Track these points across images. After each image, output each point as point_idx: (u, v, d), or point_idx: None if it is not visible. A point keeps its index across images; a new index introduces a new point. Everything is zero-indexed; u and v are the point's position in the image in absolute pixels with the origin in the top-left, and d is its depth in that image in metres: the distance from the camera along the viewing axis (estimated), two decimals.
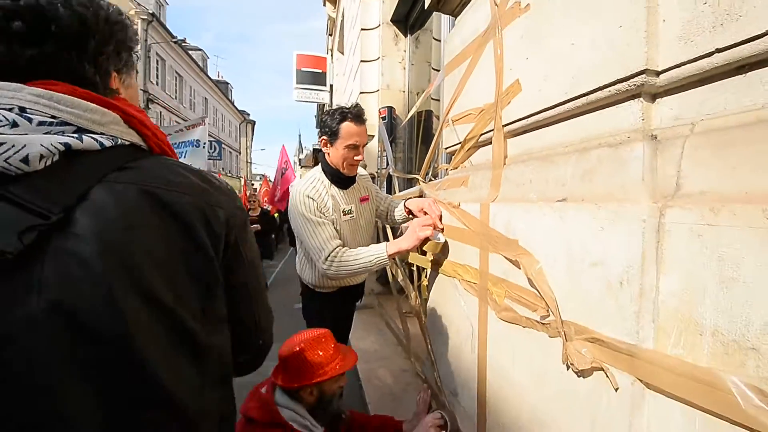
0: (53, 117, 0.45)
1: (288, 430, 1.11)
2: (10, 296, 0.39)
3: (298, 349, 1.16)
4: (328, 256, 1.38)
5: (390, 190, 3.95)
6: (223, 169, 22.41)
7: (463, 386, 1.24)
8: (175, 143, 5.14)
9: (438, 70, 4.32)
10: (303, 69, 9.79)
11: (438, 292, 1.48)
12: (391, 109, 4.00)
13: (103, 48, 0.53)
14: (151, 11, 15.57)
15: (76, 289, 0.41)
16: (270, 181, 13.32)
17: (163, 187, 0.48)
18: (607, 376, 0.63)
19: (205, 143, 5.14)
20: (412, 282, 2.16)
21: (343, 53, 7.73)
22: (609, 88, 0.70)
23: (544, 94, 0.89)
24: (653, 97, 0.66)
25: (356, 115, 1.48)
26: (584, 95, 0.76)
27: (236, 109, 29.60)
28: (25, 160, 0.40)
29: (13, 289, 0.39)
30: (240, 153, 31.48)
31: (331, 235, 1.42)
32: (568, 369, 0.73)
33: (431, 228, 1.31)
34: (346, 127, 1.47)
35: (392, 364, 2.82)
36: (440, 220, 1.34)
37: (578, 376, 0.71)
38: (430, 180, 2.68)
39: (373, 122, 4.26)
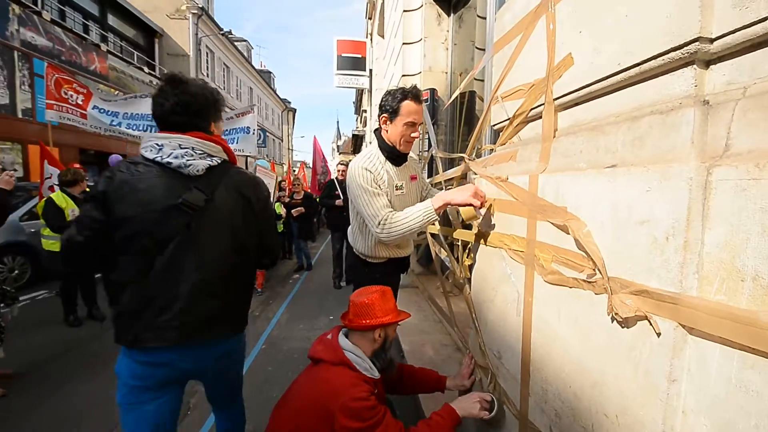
0: (203, 151, 1.19)
1: (351, 369, 1.29)
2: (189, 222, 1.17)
3: (370, 298, 1.36)
4: (381, 220, 1.53)
5: (432, 173, 4.00)
6: (267, 155, 23.44)
7: (507, 348, 1.33)
8: (227, 130, 5.50)
9: (482, 50, 4.23)
10: (343, 55, 9.92)
11: (483, 263, 1.56)
12: (433, 91, 4.01)
13: (212, 113, 1.27)
14: (201, 5, 16.38)
15: (214, 220, 1.20)
16: (307, 167, 13.79)
17: (239, 182, 1.28)
18: (651, 324, 0.70)
19: (254, 130, 5.54)
20: (456, 258, 2.24)
21: (383, 37, 7.72)
22: (662, 57, 0.73)
23: (596, 66, 0.92)
24: (707, 63, 0.68)
25: (415, 95, 1.63)
26: (637, 65, 0.79)
27: (278, 97, 30.60)
28: (199, 170, 1.17)
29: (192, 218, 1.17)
30: (282, 140, 32.67)
31: (384, 204, 1.56)
32: (612, 321, 0.80)
33: (480, 200, 1.39)
34: (406, 105, 1.61)
35: (433, 339, 2.95)
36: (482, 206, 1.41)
37: (622, 327, 0.77)
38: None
39: None
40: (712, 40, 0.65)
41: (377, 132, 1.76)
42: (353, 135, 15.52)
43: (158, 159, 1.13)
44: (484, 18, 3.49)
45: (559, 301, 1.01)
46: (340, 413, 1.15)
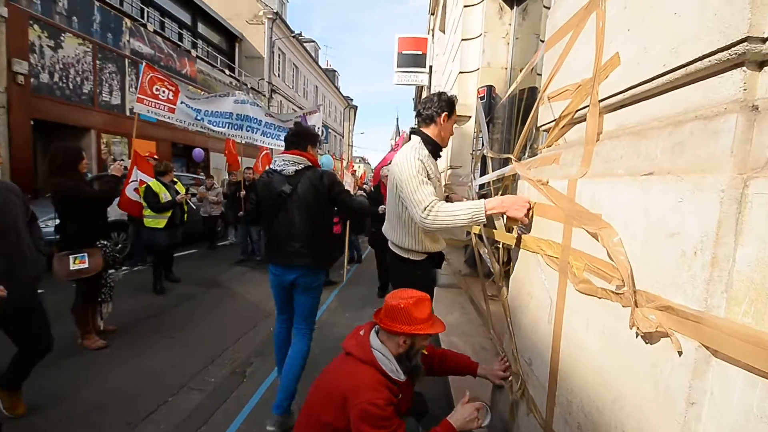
0: (294, 161, 2.18)
1: (377, 369, 1.35)
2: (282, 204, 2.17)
3: (404, 302, 1.38)
4: (428, 206, 1.58)
5: (484, 172, 3.90)
6: (329, 150, 24.53)
7: (538, 355, 1.30)
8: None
9: None
10: (404, 52, 9.97)
11: (521, 267, 1.53)
12: (490, 88, 3.90)
13: (308, 142, 2.27)
14: (275, 10, 17.63)
15: (297, 199, 2.14)
16: (366, 162, 14.08)
17: (312, 178, 2.17)
18: (672, 342, 0.66)
19: (319, 128, 5.99)
20: (498, 261, 2.19)
21: (444, 32, 7.62)
22: (709, 58, 0.67)
23: (643, 66, 0.87)
24: (759, 65, 0.62)
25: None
26: (683, 66, 0.74)
27: (341, 95, 31.76)
28: (290, 172, 2.16)
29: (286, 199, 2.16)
30: (343, 136, 33.89)
31: (432, 192, 1.63)
32: (636, 336, 0.77)
33: (525, 210, 1.38)
34: (456, 107, 1.99)
35: (474, 341, 2.92)
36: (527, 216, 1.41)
37: (645, 342, 0.74)
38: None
39: (471, 102, 4.21)
40: (764, 40, 0.59)
41: (418, 130, 1.93)
42: (411, 131, 15.49)
43: (275, 168, 2.19)
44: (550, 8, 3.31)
45: (589, 310, 0.98)
46: (355, 412, 1.21)
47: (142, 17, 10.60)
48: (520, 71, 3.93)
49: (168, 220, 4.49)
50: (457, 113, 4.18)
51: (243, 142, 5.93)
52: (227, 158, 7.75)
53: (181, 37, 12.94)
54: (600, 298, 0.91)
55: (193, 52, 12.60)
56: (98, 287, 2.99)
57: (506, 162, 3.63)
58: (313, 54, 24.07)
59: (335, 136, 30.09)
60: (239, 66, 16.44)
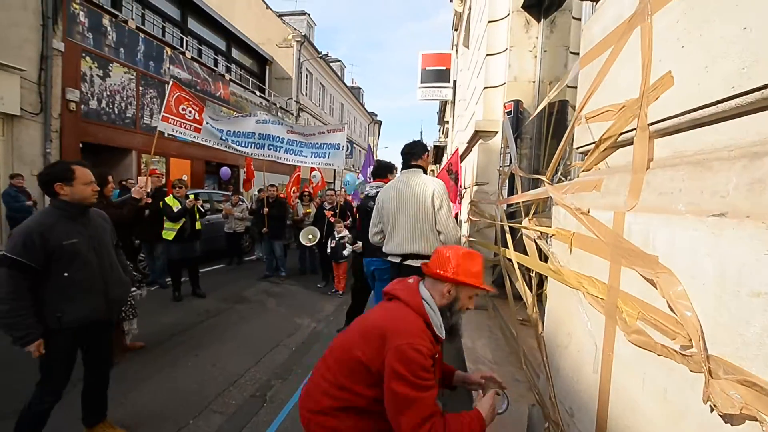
0: (375, 187, 3.16)
1: (423, 318, 1.24)
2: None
3: (454, 252, 1.31)
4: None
5: (512, 191, 3.75)
6: (353, 166, 24.89)
7: (581, 407, 1.15)
8: (318, 143, 6.05)
9: (578, 54, 3.84)
10: (427, 68, 10.02)
11: (558, 302, 1.39)
12: (517, 102, 3.77)
13: (387, 173, 3.24)
14: (303, 33, 18.39)
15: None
16: None
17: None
18: (763, 429, 0.53)
19: (344, 146, 6.07)
20: (530, 288, 2.04)
21: (468, 47, 7.59)
22: None
23: (705, 88, 0.76)
24: None
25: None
26: (759, 89, 0.62)
27: (366, 111, 32.38)
28: (371, 194, 3.13)
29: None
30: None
31: None
32: (711, 411, 0.63)
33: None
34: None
35: (504, 371, 2.73)
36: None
37: (725, 421, 0.61)
38: (560, 181, 2.45)
39: (497, 118, 4.10)
40: None
41: (420, 167, 2.62)
42: (435, 146, 15.47)
43: (370, 194, 3.08)
44: (580, 19, 3.18)
45: (645, 366, 0.84)
46: (393, 352, 1.10)
47: (182, 45, 11.35)
48: (550, 84, 3.80)
49: (177, 232, 4.73)
50: (483, 129, 4.03)
51: (266, 160, 6.05)
52: (246, 175, 8.14)
53: (216, 63, 13.72)
54: (659, 355, 0.78)
55: (227, 76, 13.29)
56: None
57: (536, 180, 3.47)
58: (338, 73, 24.80)
59: (360, 150, 30.57)
60: (269, 87, 17.16)
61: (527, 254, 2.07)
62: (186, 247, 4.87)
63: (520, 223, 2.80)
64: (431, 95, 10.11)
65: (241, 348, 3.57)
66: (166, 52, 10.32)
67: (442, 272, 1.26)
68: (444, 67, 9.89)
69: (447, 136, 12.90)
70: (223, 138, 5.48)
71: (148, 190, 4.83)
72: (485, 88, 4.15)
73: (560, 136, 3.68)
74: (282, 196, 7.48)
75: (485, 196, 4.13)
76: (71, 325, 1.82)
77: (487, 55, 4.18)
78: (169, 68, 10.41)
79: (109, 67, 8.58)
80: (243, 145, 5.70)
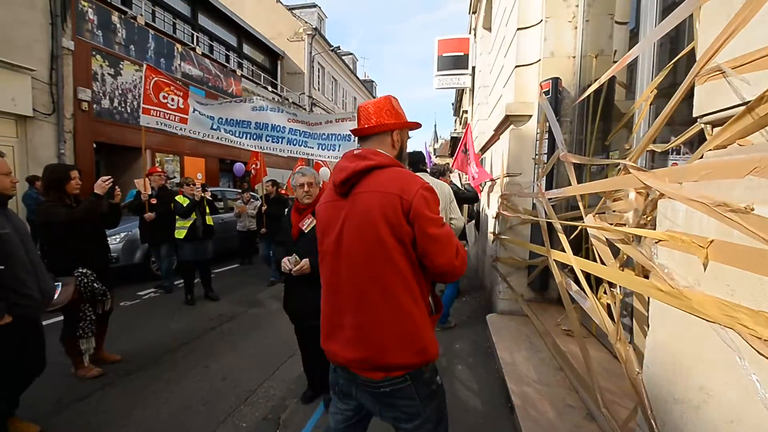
0: None
1: (400, 165, 1.26)
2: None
3: (381, 100, 1.27)
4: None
5: (551, 183, 3.30)
6: None
7: None
8: (325, 134, 5.40)
9: (624, 23, 3.33)
10: (444, 55, 9.50)
11: (678, 338, 0.98)
12: (556, 81, 3.31)
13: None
14: (314, 26, 18.04)
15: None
16: None
17: None
18: None
19: (354, 138, 5.53)
20: (610, 316, 1.61)
21: (489, 30, 7.06)
22: None
23: None
24: None
25: None
26: None
27: None
28: None
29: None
30: None
31: None
32: None
33: None
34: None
35: (553, 394, 2.32)
36: None
37: None
38: (648, 167, 2.01)
39: (531, 100, 3.64)
40: None
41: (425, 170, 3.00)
42: (451, 137, 14.92)
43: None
44: None
45: None
46: (418, 201, 1.08)
47: (193, 42, 11.19)
48: (596, 58, 3.31)
49: (188, 230, 4.48)
50: (515, 112, 3.61)
51: (265, 152, 5.43)
52: (256, 171, 7.27)
53: (228, 58, 13.56)
54: None
55: (239, 72, 13.11)
56: (76, 320, 2.66)
57: (579, 169, 3.00)
58: (351, 66, 24.38)
59: None
60: (281, 82, 16.94)
61: (585, 258, 1.66)
62: (198, 247, 4.62)
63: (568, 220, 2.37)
64: (449, 83, 9.60)
65: (253, 358, 3.29)
66: (177, 48, 10.17)
67: (385, 121, 1.22)
68: (462, 53, 9.35)
69: (465, 126, 12.33)
70: (215, 127, 4.76)
71: (149, 191, 4.58)
72: (516, 66, 3.68)
73: (608, 116, 3.20)
74: (284, 192, 6.99)
75: (518, 188, 3.69)
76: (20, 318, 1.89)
77: (518, 29, 3.70)
78: (180, 65, 10.27)
79: (120, 65, 8.47)
80: (238, 135, 4.97)
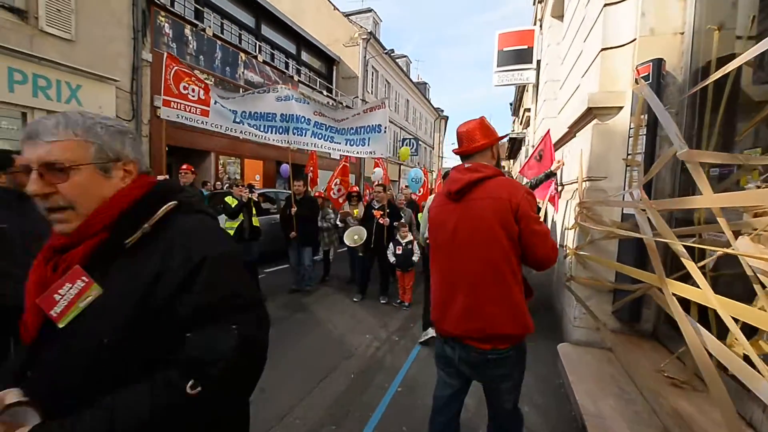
0: None
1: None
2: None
3: (474, 122, 1.57)
4: None
5: (650, 189, 2.67)
6: (419, 163, 24.15)
7: None
8: (353, 128, 4.93)
9: None
10: (505, 49, 8.82)
11: None
12: (659, 63, 2.67)
13: None
14: (369, 30, 18.17)
15: None
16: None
17: None
18: None
19: (386, 127, 4.84)
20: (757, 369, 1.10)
21: (560, 18, 6.32)
22: None
23: None
24: None
25: None
26: None
27: (432, 106, 31.30)
28: None
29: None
30: (433, 148, 33.27)
31: None
32: None
33: None
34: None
35: None
36: None
37: None
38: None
39: (621, 89, 3.01)
40: None
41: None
42: (510, 138, 13.98)
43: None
44: None
45: None
46: (524, 202, 1.36)
47: (255, 51, 11.79)
48: (718, 30, 2.61)
49: (236, 231, 4.46)
50: (600, 104, 3.02)
51: (292, 147, 4.89)
52: (313, 172, 7.16)
53: (287, 65, 14.12)
54: None
55: (296, 77, 13.56)
56: None
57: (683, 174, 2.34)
58: (404, 69, 24.21)
59: (425, 148, 29.65)
60: (336, 87, 17.28)
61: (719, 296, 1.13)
62: (245, 248, 4.63)
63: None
64: (510, 79, 8.88)
65: (293, 371, 3.09)
66: (241, 57, 10.74)
67: (482, 143, 1.50)
68: (526, 46, 8.59)
69: (526, 126, 11.41)
70: (237, 120, 4.46)
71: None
72: (603, 50, 3.08)
73: (733, 105, 2.49)
74: (320, 195, 6.64)
75: (602, 194, 3.07)
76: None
77: (606, 5, 3.10)
78: (243, 72, 10.83)
79: None
80: (263, 129, 4.64)
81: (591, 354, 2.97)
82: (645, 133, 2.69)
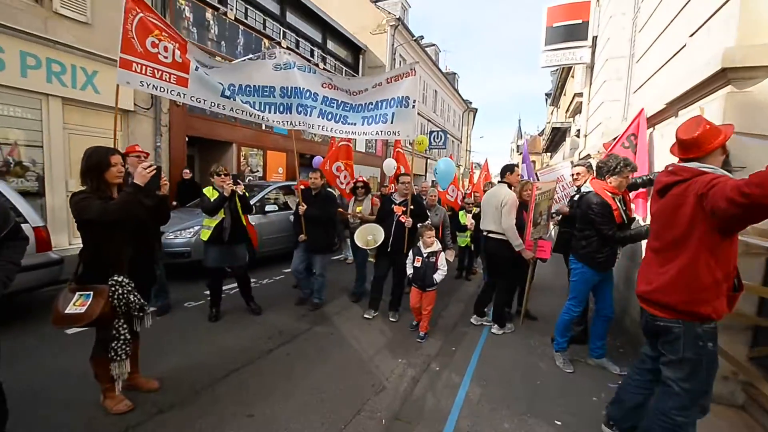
0: None
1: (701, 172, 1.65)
2: None
3: (702, 126, 1.66)
4: None
5: None
6: (450, 155, 23.05)
7: None
8: (373, 103, 3.81)
9: None
10: (555, 25, 7.76)
11: None
12: None
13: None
14: (398, 16, 17.28)
15: None
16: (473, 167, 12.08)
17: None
18: None
19: (414, 101, 3.70)
20: None
21: None
22: None
23: None
24: None
25: None
26: None
27: (461, 98, 29.97)
28: None
29: None
30: (461, 141, 31.97)
31: None
32: None
33: None
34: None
35: None
36: None
37: None
38: None
39: (761, 38, 2.10)
40: None
41: (505, 182, 3.72)
42: (553, 128, 12.78)
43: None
44: None
45: None
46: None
47: (280, 38, 11.28)
48: None
49: (214, 230, 3.65)
50: (740, 63, 2.11)
51: (293, 129, 3.84)
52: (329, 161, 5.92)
53: (312, 53, 13.56)
54: None
55: (321, 65, 12.98)
56: (108, 339, 2.12)
57: None
58: (433, 57, 23.12)
59: (453, 141, 28.46)
60: (362, 76, 16.59)
61: None
62: (226, 253, 3.74)
63: None
64: (559, 60, 7.83)
65: (310, 409, 2.45)
66: (264, 43, 10.25)
67: (711, 146, 1.62)
68: (580, 21, 7.50)
69: (575, 114, 10.23)
70: (227, 95, 3.39)
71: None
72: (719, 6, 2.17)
73: None
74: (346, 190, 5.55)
75: None
76: None
77: None
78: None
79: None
80: (259, 106, 3.59)
81: (720, 414, 2.13)
82: None
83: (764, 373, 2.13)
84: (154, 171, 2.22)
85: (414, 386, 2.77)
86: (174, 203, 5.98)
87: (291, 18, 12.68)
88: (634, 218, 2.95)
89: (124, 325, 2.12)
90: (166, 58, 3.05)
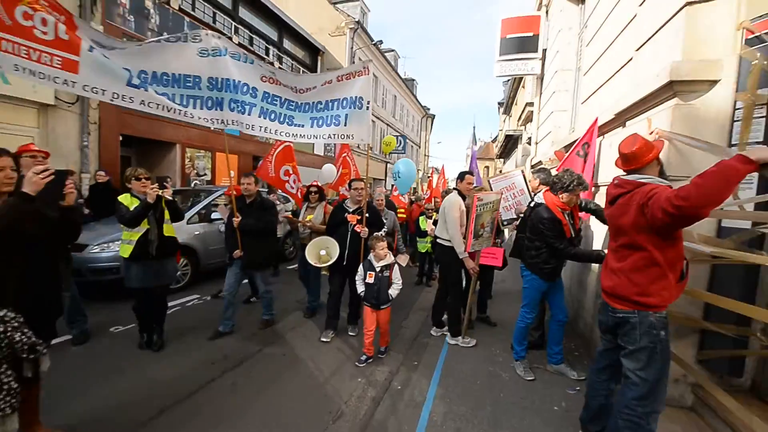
0: None
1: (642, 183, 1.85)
2: None
3: (639, 142, 1.87)
4: None
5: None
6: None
7: None
8: (322, 102, 3.44)
9: None
10: (508, 36, 8.05)
11: None
12: None
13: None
14: (357, 20, 17.18)
15: None
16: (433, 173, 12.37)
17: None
18: None
19: (368, 103, 3.39)
20: None
21: (578, 1, 5.59)
22: None
23: None
24: None
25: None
26: None
27: (419, 104, 30.55)
28: None
29: None
30: (420, 146, 32.56)
31: None
32: None
33: None
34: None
35: None
36: None
37: None
38: None
39: (717, 52, 2.22)
40: None
41: (456, 189, 3.77)
42: (506, 136, 13.32)
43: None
44: None
45: None
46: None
47: (231, 33, 10.61)
48: None
49: (136, 245, 3.04)
50: (686, 77, 2.02)
51: (224, 128, 3.30)
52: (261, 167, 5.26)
53: (267, 51, 12.97)
54: None
55: (277, 64, 12.45)
56: None
57: None
58: (392, 63, 23.31)
59: (412, 146, 28.89)
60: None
61: None
62: (155, 269, 3.15)
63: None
64: (512, 70, 8.14)
65: None
66: None
67: (647, 159, 1.85)
68: (531, 33, 7.85)
69: (526, 123, 10.72)
70: (135, 83, 2.72)
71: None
72: (688, 4, 2.27)
73: None
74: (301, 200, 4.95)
75: None
76: None
77: None
78: None
79: None
80: (179, 100, 2.97)
81: (672, 417, 2.17)
82: (766, 113, 1.90)
83: (711, 375, 2.22)
84: (51, 176, 1.80)
85: (375, 408, 2.57)
86: (86, 212, 5.14)
87: (244, 13, 12.03)
88: (580, 230, 3.01)
89: (8, 372, 1.68)
90: (45, 34, 2.34)
